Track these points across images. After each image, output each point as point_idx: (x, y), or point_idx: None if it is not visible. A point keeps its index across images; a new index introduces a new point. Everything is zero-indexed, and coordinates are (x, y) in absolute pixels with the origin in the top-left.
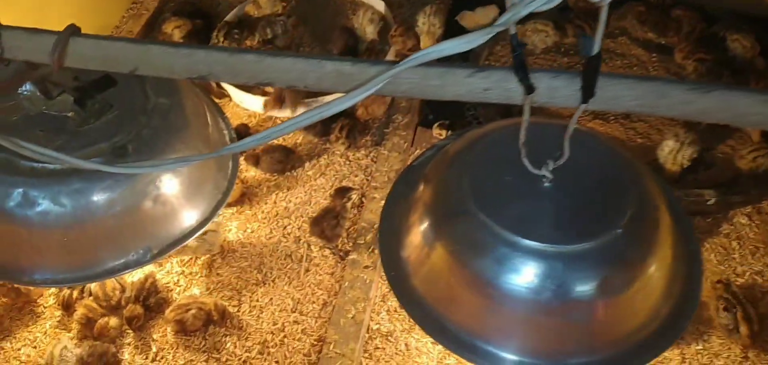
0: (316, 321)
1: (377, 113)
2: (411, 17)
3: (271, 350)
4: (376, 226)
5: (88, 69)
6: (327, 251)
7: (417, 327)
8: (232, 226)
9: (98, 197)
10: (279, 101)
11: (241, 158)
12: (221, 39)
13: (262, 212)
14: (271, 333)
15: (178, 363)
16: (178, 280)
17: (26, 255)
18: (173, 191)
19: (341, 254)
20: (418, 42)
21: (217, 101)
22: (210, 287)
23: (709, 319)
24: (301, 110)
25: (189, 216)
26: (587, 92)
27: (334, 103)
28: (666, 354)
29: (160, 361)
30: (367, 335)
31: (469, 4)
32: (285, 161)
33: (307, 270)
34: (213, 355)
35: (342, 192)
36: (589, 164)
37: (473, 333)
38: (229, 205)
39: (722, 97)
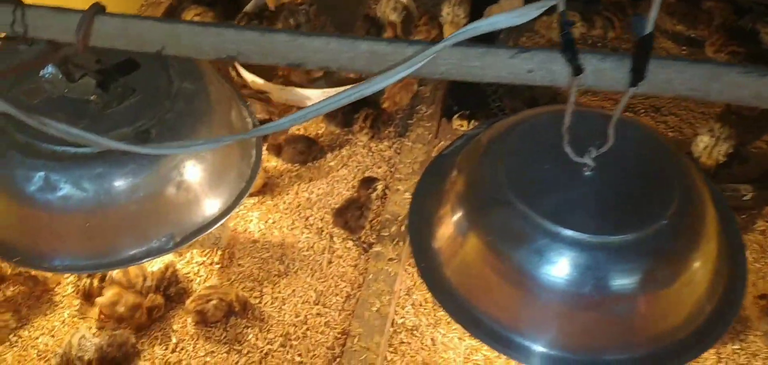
0: (339, 314)
1: (403, 102)
2: (435, 7)
3: (294, 343)
4: (400, 218)
5: (111, 52)
6: (350, 243)
7: (443, 321)
8: (254, 216)
9: (121, 183)
10: None
11: (263, 148)
12: None
13: (284, 202)
14: (294, 325)
15: (199, 354)
16: (198, 270)
17: (46, 241)
18: (196, 178)
19: (365, 246)
20: (442, 32)
21: None
22: (231, 278)
23: (746, 318)
24: None
25: (212, 204)
26: (637, 75)
27: (369, 83)
28: None
29: (179, 352)
30: (391, 329)
31: None
32: (307, 151)
33: (330, 262)
34: (234, 347)
35: (367, 183)
36: (632, 154)
37: (508, 326)
38: (251, 195)
39: None
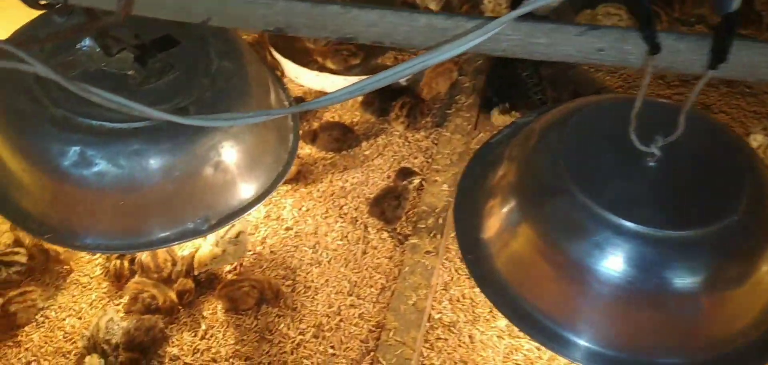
0: (374, 306)
1: (441, 90)
2: None
3: (326, 334)
4: (437, 210)
5: (149, 27)
6: (385, 234)
7: (482, 319)
8: (287, 203)
9: (157, 160)
10: None
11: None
12: None
13: (318, 190)
14: (327, 315)
15: (229, 342)
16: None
17: (79, 218)
18: (234, 159)
19: (400, 237)
20: None
21: None
22: (263, 265)
23: None
24: None
25: (248, 188)
26: (718, 56)
27: (429, 55)
28: None
29: (209, 339)
30: (427, 324)
31: None
32: (342, 139)
33: (365, 252)
34: (265, 336)
35: (405, 173)
36: (700, 145)
37: (561, 323)
38: (284, 182)
39: None
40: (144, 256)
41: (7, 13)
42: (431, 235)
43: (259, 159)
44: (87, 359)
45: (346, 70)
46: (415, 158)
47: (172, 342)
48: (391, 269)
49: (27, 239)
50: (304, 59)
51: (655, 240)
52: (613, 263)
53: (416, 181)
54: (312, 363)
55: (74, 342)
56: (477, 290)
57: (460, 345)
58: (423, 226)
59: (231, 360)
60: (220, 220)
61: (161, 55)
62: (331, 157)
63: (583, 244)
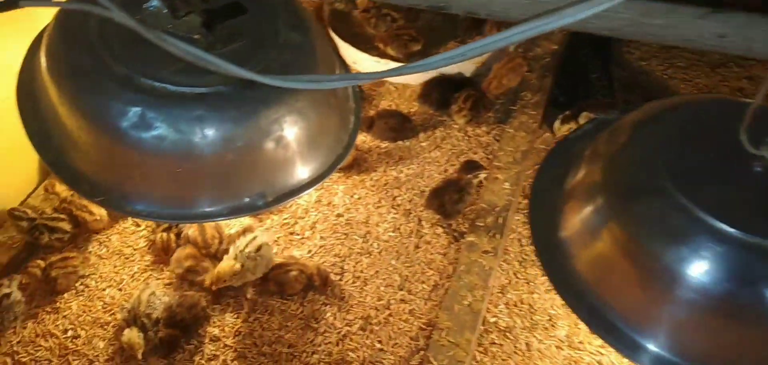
0: (425, 303)
1: (510, 85)
2: None
3: (374, 327)
4: (498, 209)
5: None
6: (439, 230)
7: (540, 326)
8: (339, 190)
9: (220, 129)
10: None
11: None
12: None
13: (371, 179)
14: (375, 308)
15: (272, 327)
16: (277, 238)
17: (133, 183)
18: (296, 136)
19: (455, 234)
20: None
21: None
22: (311, 250)
23: None
24: None
25: (306, 168)
26: None
27: (534, 22)
28: None
29: (252, 322)
30: (482, 327)
31: None
32: (399, 129)
33: (417, 247)
34: (310, 324)
35: (470, 166)
36: None
37: (646, 333)
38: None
39: None
40: (191, 230)
41: None
42: (490, 234)
43: (319, 139)
44: (126, 332)
45: (407, 57)
46: (475, 153)
47: (214, 322)
48: (445, 267)
49: (72, 206)
50: (364, 44)
51: (758, 249)
52: (710, 271)
53: (482, 175)
54: (358, 357)
55: (113, 313)
56: (536, 296)
57: (515, 352)
58: (481, 224)
59: (274, 346)
60: (277, 198)
61: (228, 22)
62: (385, 146)
63: (678, 248)
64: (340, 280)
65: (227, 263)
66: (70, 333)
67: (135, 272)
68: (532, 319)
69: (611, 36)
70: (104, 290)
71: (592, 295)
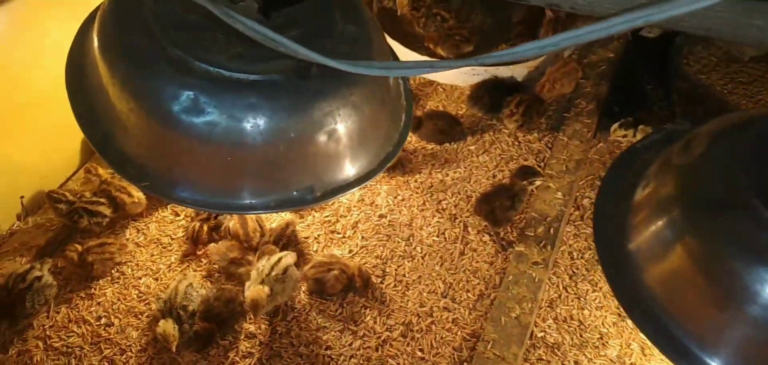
0: (470, 313)
1: (564, 91)
2: None
3: (416, 334)
4: (549, 219)
5: None
6: (486, 237)
7: (590, 344)
8: (382, 189)
9: (273, 119)
10: None
11: None
12: None
13: (415, 180)
14: (417, 315)
15: (310, 327)
16: (318, 235)
17: (181, 169)
18: (348, 130)
19: (503, 243)
20: None
21: None
22: (353, 250)
23: None
24: None
25: (356, 164)
26: None
27: (629, 16)
28: None
29: (289, 321)
30: (529, 342)
31: None
32: (448, 130)
33: (462, 253)
34: (349, 326)
35: (525, 172)
36: None
37: (721, 357)
38: None
39: None
40: (232, 223)
41: None
42: (540, 245)
43: (371, 135)
44: (161, 323)
45: (457, 58)
46: (525, 160)
47: (250, 319)
48: (492, 276)
49: (111, 187)
50: (414, 44)
51: None
52: None
53: (538, 182)
54: (398, 364)
55: (148, 303)
56: (586, 312)
57: None
58: (531, 234)
59: (311, 347)
60: (325, 193)
61: (285, 10)
62: (432, 148)
63: (764, 267)
64: (382, 283)
65: (257, 290)
66: (103, 320)
67: (172, 262)
68: (581, 337)
69: (707, 36)
70: (140, 278)
71: (661, 312)
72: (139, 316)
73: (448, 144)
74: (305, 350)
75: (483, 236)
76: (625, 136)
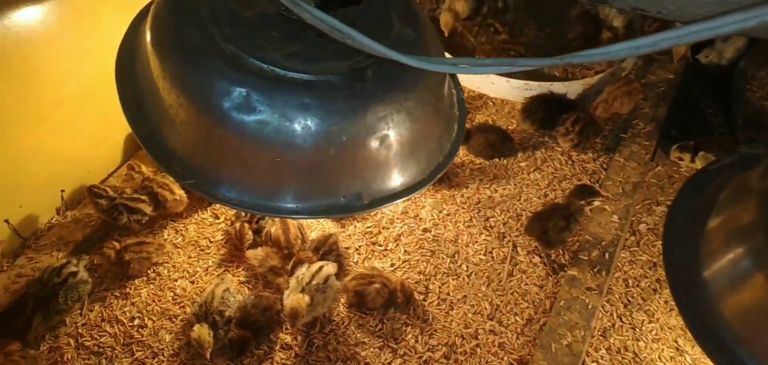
0: (517, 338)
1: (622, 111)
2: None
3: (460, 357)
4: (604, 243)
5: None
6: (536, 258)
7: None
8: (427, 203)
9: (326, 121)
10: None
11: None
12: None
13: (462, 195)
14: (461, 336)
15: (348, 341)
16: (359, 247)
17: (228, 168)
18: (401, 137)
19: (554, 266)
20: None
21: None
22: (395, 264)
23: None
24: None
25: (406, 172)
26: None
27: (703, 25)
28: None
29: (327, 334)
30: None
31: None
32: (498, 145)
33: (511, 274)
34: (389, 343)
35: (584, 192)
36: None
37: None
38: None
39: None
40: (273, 228)
41: None
42: (594, 270)
43: (422, 144)
44: (196, 327)
45: (510, 72)
46: (579, 179)
47: (287, 329)
48: (542, 300)
49: (154, 184)
50: (464, 56)
51: None
52: None
53: (596, 203)
54: None
55: (183, 306)
56: (641, 344)
57: None
58: (585, 258)
59: (348, 362)
60: (373, 201)
61: (342, 11)
62: (480, 162)
63: None
64: (424, 300)
65: (296, 299)
66: (136, 321)
67: (209, 266)
68: None
69: None
70: (176, 280)
71: (737, 346)
72: (174, 319)
73: (497, 159)
74: None
75: (533, 257)
76: (681, 158)
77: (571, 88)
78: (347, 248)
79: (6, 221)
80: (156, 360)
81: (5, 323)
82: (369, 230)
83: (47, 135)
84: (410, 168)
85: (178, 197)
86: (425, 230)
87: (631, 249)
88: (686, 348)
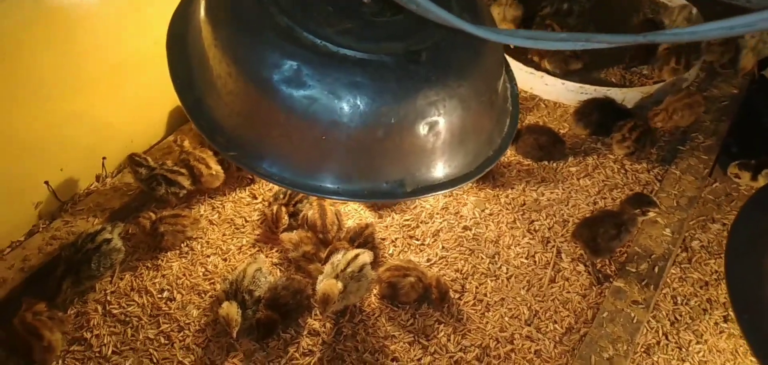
0: (555, 346)
1: (683, 123)
2: None
3: (493, 360)
4: (654, 256)
5: None
6: (581, 266)
7: None
8: (469, 200)
9: (376, 101)
10: None
11: None
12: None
13: (507, 196)
14: (496, 339)
15: (377, 333)
16: (395, 239)
17: (272, 142)
18: (451, 124)
19: (599, 276)
20: (737, 54)
21: None
22: (431, 259)
23: None
24: None
25: (451, 164)
26: None
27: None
28: None
29: (356, 324)
30: None
31: None
32: (549, 147)
33: (553, 281)
34: (420, 340)
35: (639, 200)
36: None
37: None
38: None
39: None
40: (310, 212)
41: None
42: (642, 283)
43: (472, 135)
44: (225, 305)
45: (564, 74)
46: (631, 189)
47: (315, 315)
48: (583, 310)
49: (191, 157)
50: (518, 55)
51: None
52: None
53: (651, 214)
54: None
55: (213, 282)
56: None
57: None
58: (632, 270)
59: (376, 355)
60: (416, 189)
61: None
62: (528, 164)
63: None
64: (460, 299)
65: (329, 284)
66: (165, 293)
67: (243, 245)
68: None
69: None
70: (208, 256)
71: None
72: (203, 295)
73: (546, 162)
74: (370, 357)
75: (577, 265)
76: (738, 176)
77: (628, 96)
78: (383, 239)
79: (46, 182)
80: (181, 333)
81: (36, 283)
82: (407, 222)
83: (92, 103)
84: (457, 159)
85: (214, 172)
86: (465, 228)
87: (683, 266)
88: None
